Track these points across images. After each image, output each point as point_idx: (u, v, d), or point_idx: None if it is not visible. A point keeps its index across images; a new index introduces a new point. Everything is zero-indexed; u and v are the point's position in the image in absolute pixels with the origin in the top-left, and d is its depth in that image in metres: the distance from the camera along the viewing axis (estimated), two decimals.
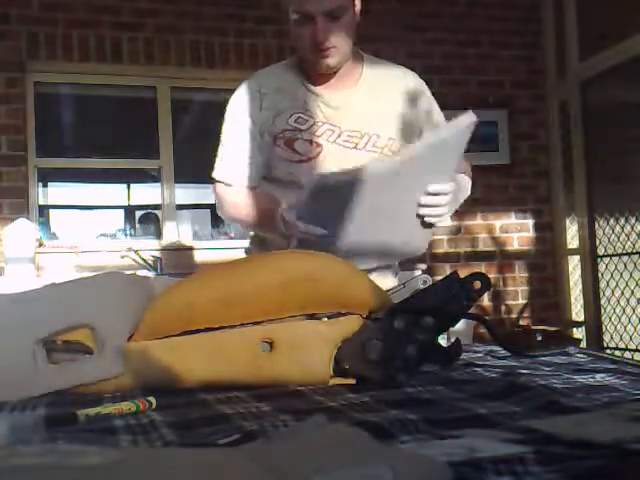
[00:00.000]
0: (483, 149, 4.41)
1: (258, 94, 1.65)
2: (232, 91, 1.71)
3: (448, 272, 1.05)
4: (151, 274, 3.59)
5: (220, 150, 1.70)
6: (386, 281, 1.61)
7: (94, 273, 1.09)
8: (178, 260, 3.99)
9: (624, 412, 0.65)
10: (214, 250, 4.02)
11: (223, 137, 1.70)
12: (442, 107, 1.75)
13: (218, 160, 1.70)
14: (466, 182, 1.72)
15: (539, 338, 3.92)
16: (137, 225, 4.32)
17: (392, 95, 1.68)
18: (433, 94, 1.78)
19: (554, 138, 4.53)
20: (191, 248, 4.04)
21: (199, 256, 4.01)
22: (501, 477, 0.48)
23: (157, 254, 3.93)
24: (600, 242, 4.18)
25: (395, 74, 1.72)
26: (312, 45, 1.54)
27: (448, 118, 1.48)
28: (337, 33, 1.54)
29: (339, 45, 1.56)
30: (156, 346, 0.97)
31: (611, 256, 4.10)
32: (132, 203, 4.53)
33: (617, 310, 4.07)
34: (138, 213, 4.39)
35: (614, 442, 0.53)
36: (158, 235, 4.14)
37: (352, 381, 0.99)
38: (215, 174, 1.70)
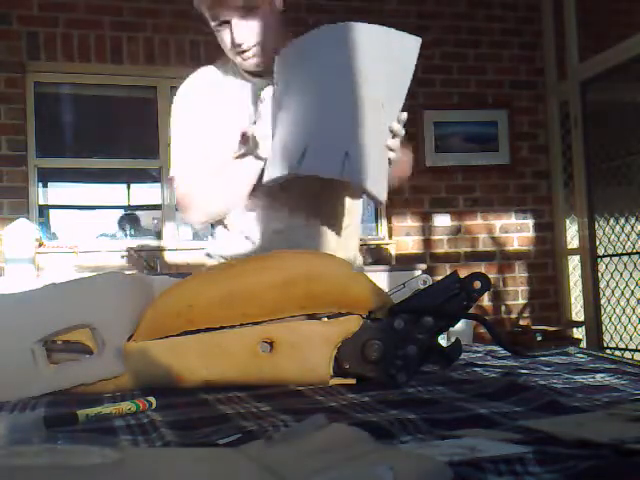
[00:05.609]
0: (483, 149, 4.41)
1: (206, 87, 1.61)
2: None
3: (448, 272, 1.05)
4: (151, 274, 3.58)
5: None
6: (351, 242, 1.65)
7: (94, 273, 1.09)
8: (178, 260, 3.99)
9: (624, 412, 0.65)
10: None
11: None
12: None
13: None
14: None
15: (539, 338, 3.92)
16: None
17: None
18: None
19: (554, 138, 4.54)
20: (191, 248, 4.04)
21: (199, 256, 4.01)
22: (501, 477, 0.48)
23: (157, 254, 3.93)
24: (600, 242, 4.18)
25: None
26: (234, 48, 1.50)
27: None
28: (256, 30, 1.48)
29: (263, 41, 1.50)
30: (156, 346, 0.97)
31: (611, 256, 4.10)
32: (132, 203, 4.53)
33: (617, 310, 4.07)
34: (139, 213, 4.39)
35: (614, 442, 0.53)
36: (158, 235, 4.15)
37: (352, 381, 0.99)
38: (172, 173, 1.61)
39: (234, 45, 1.49)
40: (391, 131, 1.41)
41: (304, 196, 1.54)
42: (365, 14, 4.39)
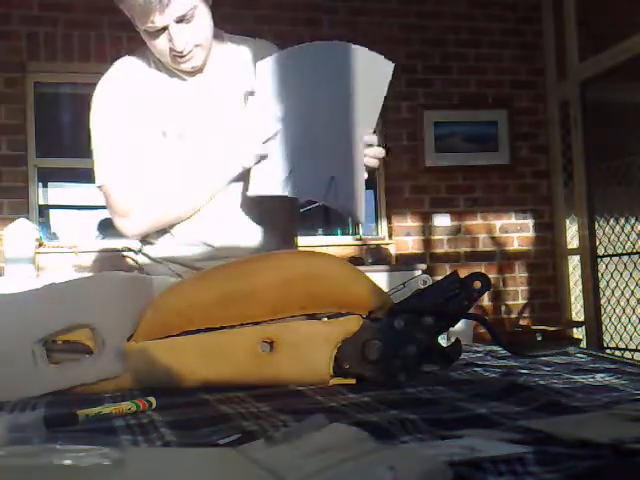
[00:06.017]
0: (483, 149, 4.41)
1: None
2: None
3: (448, 272, 1.05)
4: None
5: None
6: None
7: (94, 273, 1.09)
8: None
9: (624, 412, 0.65)
10: None
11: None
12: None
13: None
14: None
15: (539, 338, 3.92)
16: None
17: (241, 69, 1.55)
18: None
19: (554, 138, 4.53)
20: None
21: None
22: (501, 477, 0.48)
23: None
24: (600, 242, 4.17)
25: (245, 48, 1.57)
26: (172, 54, 1.43)
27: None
28: (195, 33, 1.41)
29: (201, 42, 1.44)
30: (156, 346, 0.97)
31: (611, 256, 4.09)
32: None
33: (617, 310, 4.07)
34: None
35: (614, 442, 0.53)
36: None
37: (352, 381, 0.99)
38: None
39: (173, 51, 1.42)
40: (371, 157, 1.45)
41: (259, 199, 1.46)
42: (365, 14, 4.39)
